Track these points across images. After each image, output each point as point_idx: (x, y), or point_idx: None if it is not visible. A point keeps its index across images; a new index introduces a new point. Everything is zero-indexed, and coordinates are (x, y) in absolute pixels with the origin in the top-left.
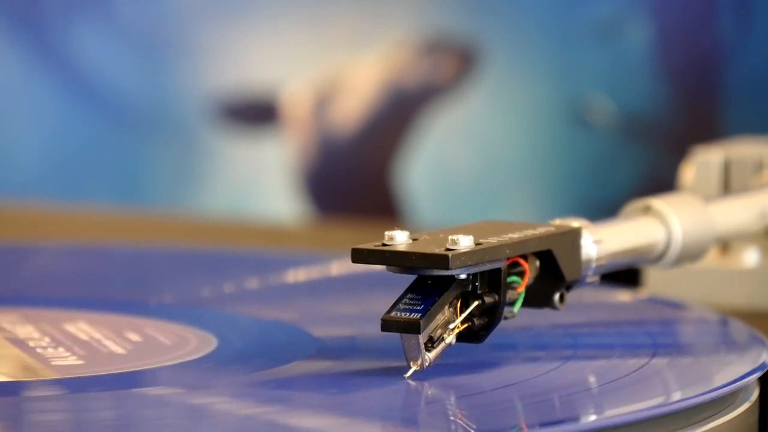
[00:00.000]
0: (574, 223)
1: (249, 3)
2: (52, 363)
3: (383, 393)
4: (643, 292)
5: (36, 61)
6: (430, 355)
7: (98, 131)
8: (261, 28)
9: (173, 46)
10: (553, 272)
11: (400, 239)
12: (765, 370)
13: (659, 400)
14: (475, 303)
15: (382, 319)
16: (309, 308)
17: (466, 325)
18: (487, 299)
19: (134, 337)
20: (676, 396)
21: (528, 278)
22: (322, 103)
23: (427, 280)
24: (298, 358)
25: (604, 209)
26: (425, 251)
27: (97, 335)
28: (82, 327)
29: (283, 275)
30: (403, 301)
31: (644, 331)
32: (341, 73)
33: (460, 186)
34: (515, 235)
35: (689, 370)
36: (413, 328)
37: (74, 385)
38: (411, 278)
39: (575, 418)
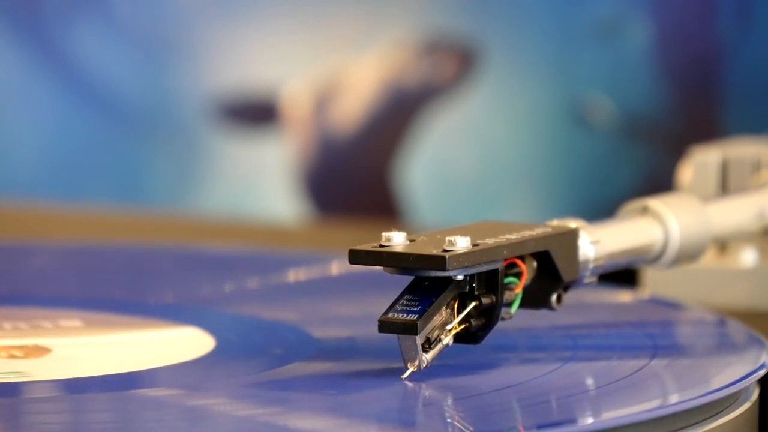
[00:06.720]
0: (572, 223)
1: (249, 3)
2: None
3: (381, 394)
4: (643, 293)
5: (36, 61)
6: (428, 356)
7: (98, 131)
8: (261, 28)
9: (173, 46)
10: (550, 273)
11: (397, 240)
12: (764, 372)
13: (658, 402)
14: (473, 304)
15: (380, 321)
16: (308, 309)
17: (463, 326)
18: (485, 300)
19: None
20: (675, 398)
21: (525, 279)
22: (322, 103)
23: (425, 281)
24: (298, 359)
25: (604, 209)
26: (422, 252)
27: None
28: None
29: (283, 275)
30: (401, 302)
31: (643, 332)
32: (341, 73)
33: (460, 186)
34: (512, 236)
35: (688, 372)
36: (410, 329)
37: (73, 386)
38: (409, 279)
39: (573, 420)
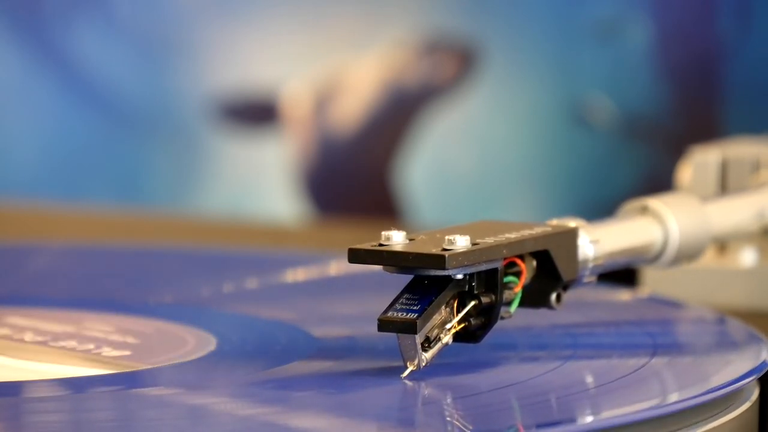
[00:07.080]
0: (571, 223)
1: (249, 3)
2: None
3: (381, 393)
4: (643, 292)
5: (36, 61)
6: (427, 355)
7: (98, 131)
8: (261, 28)
9: (173, 46)
10: (550, 272)
11: (396, 239)
12: (764, 370)
13: (658, 400)
14: (472, 303)
15: (379, 320)
16: (308, 308)
17: (462, 325)
18: (484, 299)
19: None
20: (675, 397)
21: (525, 278)
22: (322, 103)
23: (424, 280)
24: (297, 358)
25: (604, 209)
26: (422, 251)
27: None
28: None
29: (283, 275)
30: (400, 301)
31: (643, 330)
32: (341, 73)
33: (460, 186)
34: (512, 235)
35: (688, 371)
36: (410, 328)
37: (73, 386)
38: (408, 278)
39: (572, 420)
